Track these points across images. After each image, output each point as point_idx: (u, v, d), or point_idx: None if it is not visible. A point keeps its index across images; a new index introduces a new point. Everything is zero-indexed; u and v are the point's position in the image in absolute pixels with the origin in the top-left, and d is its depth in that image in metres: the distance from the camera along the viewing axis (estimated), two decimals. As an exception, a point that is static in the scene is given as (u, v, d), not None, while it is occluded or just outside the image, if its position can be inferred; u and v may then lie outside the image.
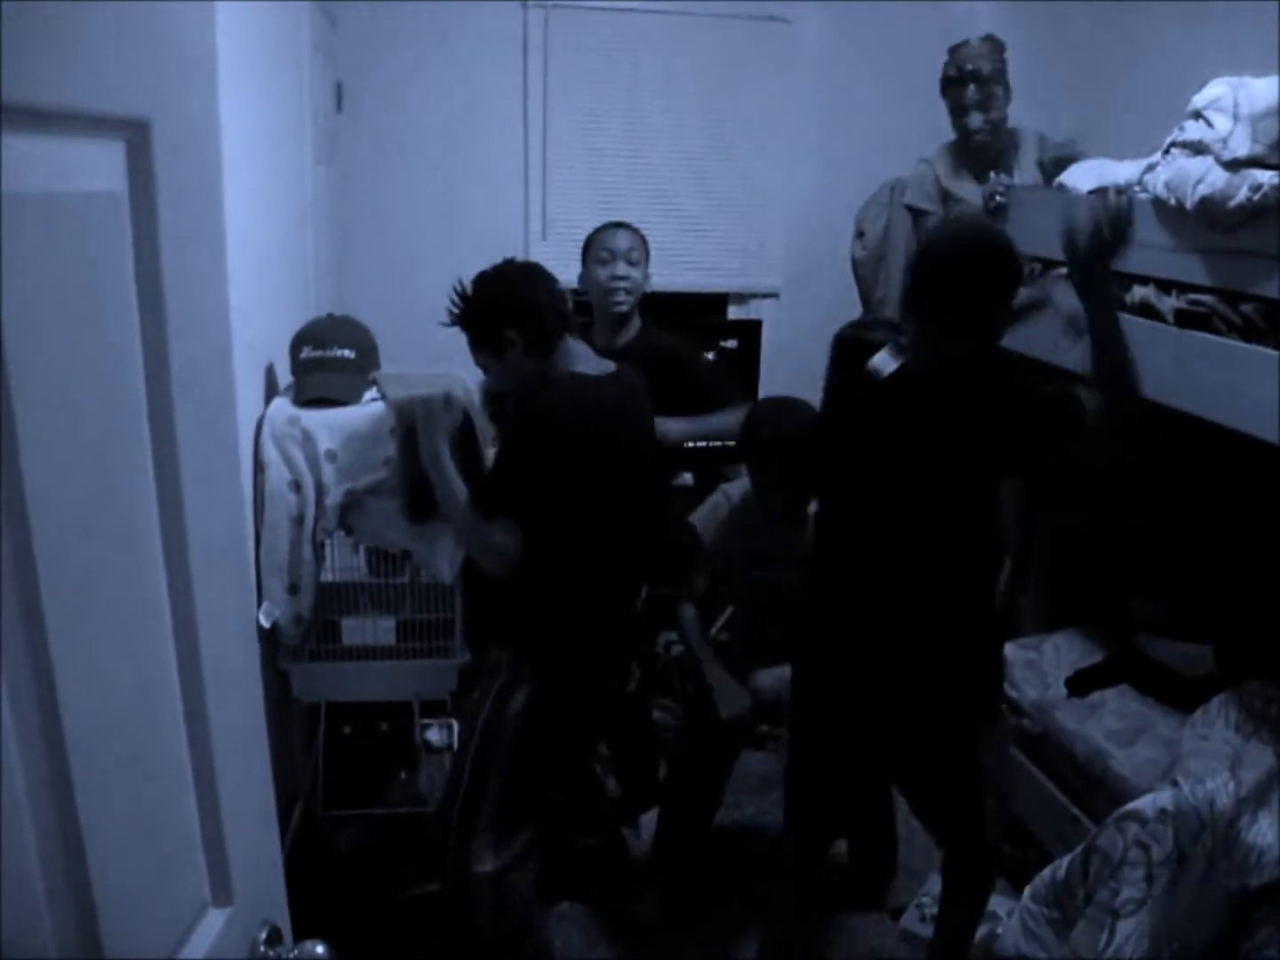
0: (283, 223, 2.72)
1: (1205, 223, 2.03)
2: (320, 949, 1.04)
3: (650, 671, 2.90)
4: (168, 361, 0.88)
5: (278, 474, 2.28)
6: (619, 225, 2.76)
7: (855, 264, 3.49)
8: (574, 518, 2.11)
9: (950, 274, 1.90)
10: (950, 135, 3.17)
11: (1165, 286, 2.18)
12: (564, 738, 2.22)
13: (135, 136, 0.83)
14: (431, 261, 3.72)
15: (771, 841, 3.00)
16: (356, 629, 2.48)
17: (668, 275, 3.52)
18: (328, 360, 2.42)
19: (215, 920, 0.97)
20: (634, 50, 3.79)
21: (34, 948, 0.72)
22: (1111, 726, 2.62)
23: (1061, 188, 2.61)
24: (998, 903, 2.53)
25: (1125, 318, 2.28)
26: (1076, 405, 1.91)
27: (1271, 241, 1.89)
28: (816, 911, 2.44)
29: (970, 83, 3.02)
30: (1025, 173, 3.03)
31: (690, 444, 2.91)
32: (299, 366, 2.43)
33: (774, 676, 2.57)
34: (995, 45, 3.05)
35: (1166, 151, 2.20)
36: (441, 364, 2.69)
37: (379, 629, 2.49)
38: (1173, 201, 2.10)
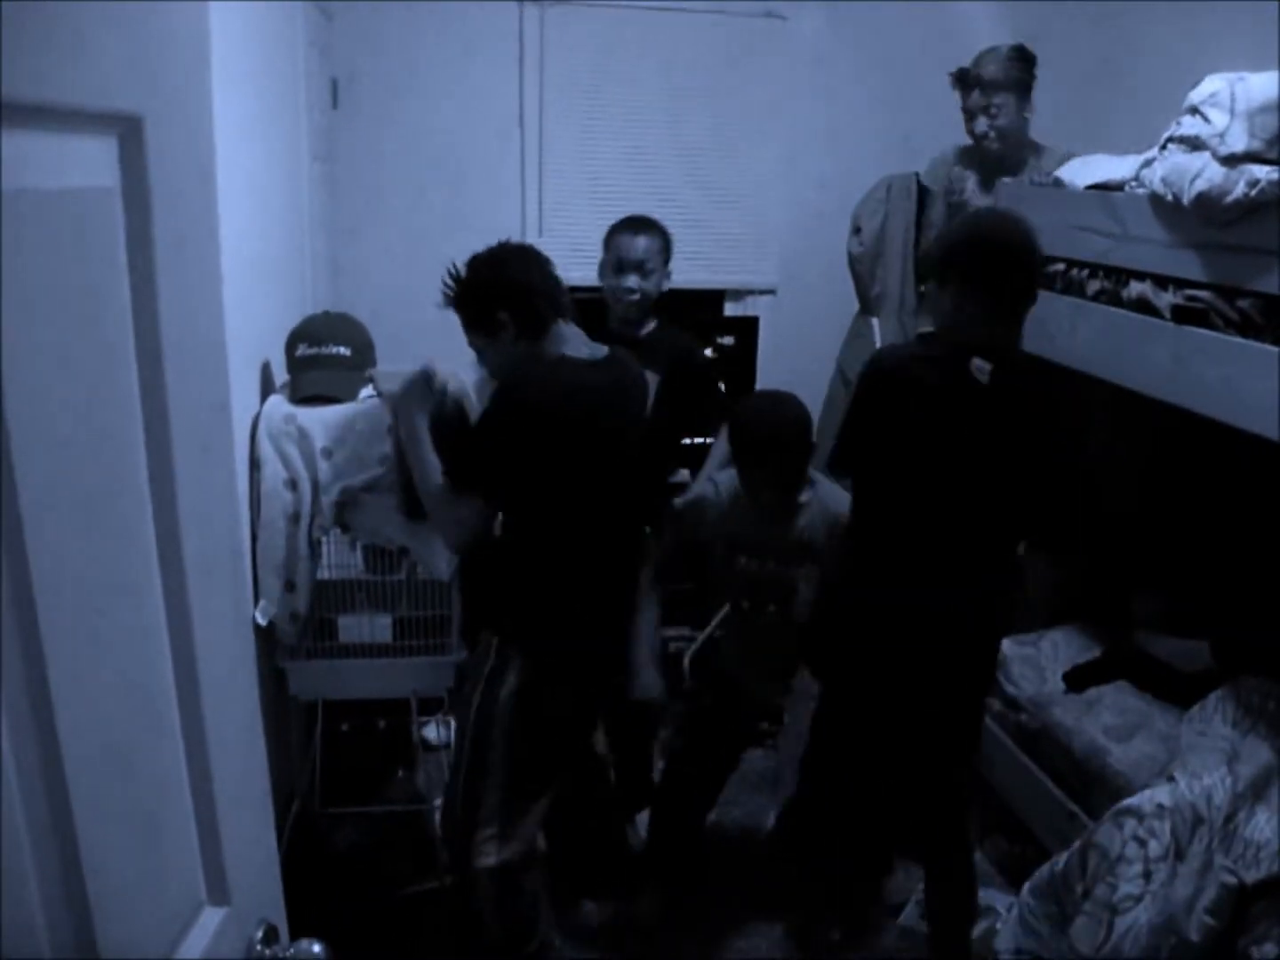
0: (278, 219, 2.72)
1: (1202, 218, 2.03)
2: (317, 948, 1.04)
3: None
4: (162, 358, 0.88)
5: (273, 471, 2.28)
6: (639, 229, 2.75)
7: (852, 260, 3.49)
8: (553, 500, 2.11)
9: (1001, 255, 2.01)
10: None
11: (1162, 282, 2.18)
12: (556, 726, 2.20)
13: (128, 132, 0.83)
14: (428, 258, 3.71)
15: (764, 839, 3.01)
16: (353, 626, 2.48)
17: (664, 272, 3.51)
18: (323, 358, 2.41)
19: (211, 919, 0.97)
20: (631, 47, 3.78)
21: (29, 947, 0.72)
22: (1109, 722, 2.62)
23: (1059, 183, 2.61)
24: (996, 898, 2.54)
25: (1122, 313, 2.30)
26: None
27: (1269, 236, 1.89)
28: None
29: (976, 87, 3.02)
30: None
31: (687, 440, 2.93)
32: (294, 364, 2.43)
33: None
34: (1019, 56, 3.02)
35: (1163, 147, 2.20)
36: (439, 361, 2.69)
37: (375, 626, 2.49)
38: (1170, 197, 2.10)
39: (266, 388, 2.46)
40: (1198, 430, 2.14)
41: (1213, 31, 2.66)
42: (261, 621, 2.28)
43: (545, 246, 2.29)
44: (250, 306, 2.19)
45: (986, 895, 2.55)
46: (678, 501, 2.64)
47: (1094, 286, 2.40)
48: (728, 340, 3.93)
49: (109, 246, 0.82)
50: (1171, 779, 2.22)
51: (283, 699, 2.52)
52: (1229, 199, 1.95)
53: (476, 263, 2.17)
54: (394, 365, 2.53)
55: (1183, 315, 2.11)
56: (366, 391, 2.40)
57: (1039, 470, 2.06)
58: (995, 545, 2.11)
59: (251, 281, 2.22)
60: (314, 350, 2.42)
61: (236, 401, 1.25)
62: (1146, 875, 2.09)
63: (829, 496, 2.45)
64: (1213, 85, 2.08)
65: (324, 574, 2.44)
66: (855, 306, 3.54)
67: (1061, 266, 2.52)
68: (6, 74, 0.65)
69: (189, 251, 0.94)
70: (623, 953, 2.59)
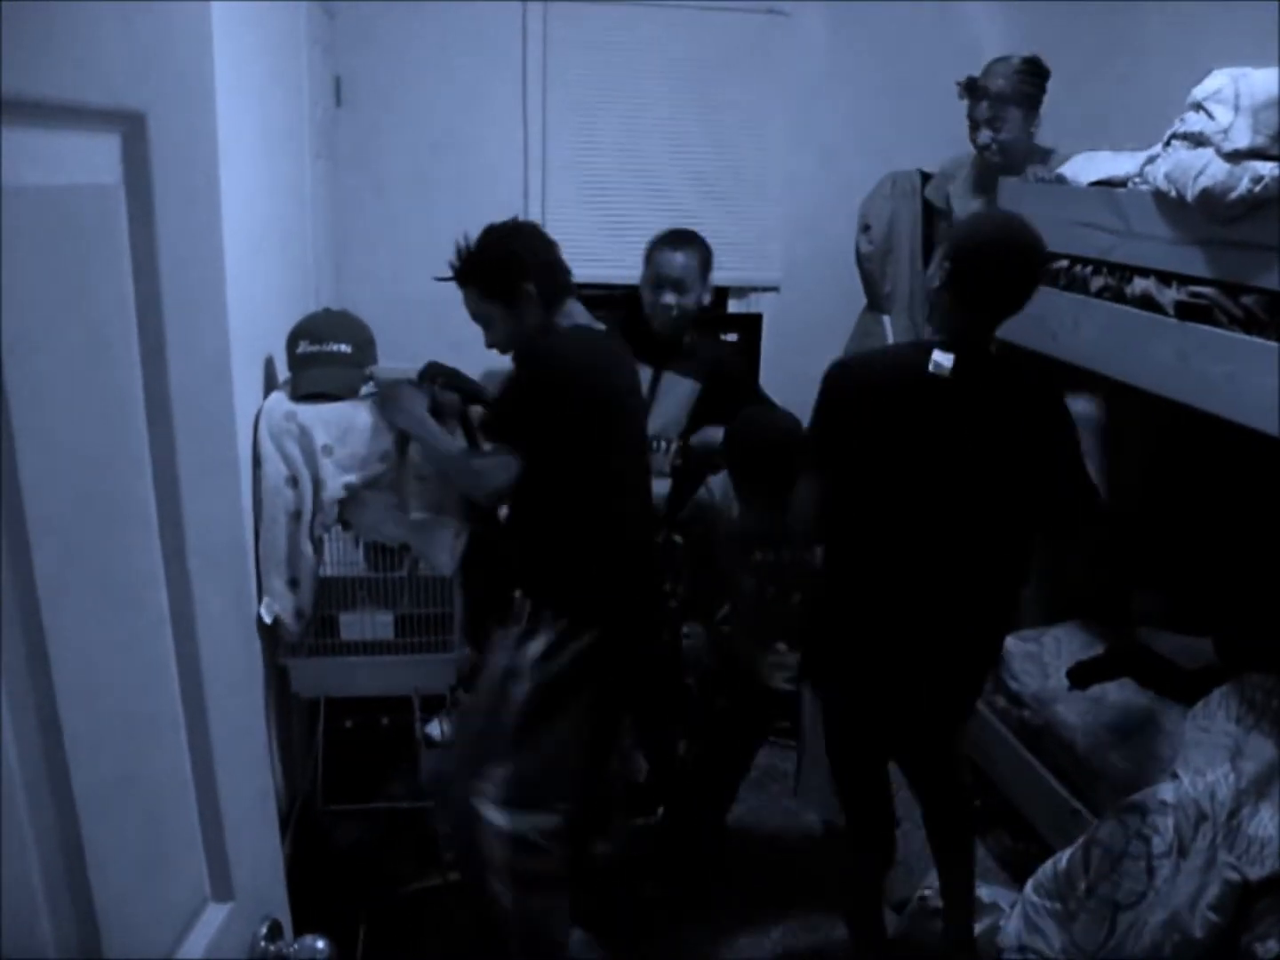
0: (281, 217, 2.72)
1: (1206, 214, 2.02)
2: (321, 944, 1.04)
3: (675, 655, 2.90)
4: (165, 356, 0.88)
5: (275, 469, 2.28)
6: (678, 245, 2.78)
7: (861, 258, 3.47)
8: (584, 458, 2.20)
9: (1004, 261, 1.97)
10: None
11: (1166, 279, 2.17)
12: (583, 691, 2.21)
13: (131, 129, 0.83)
14: (429, 256, 3.72)
15: (773, 835, 3.01)
16: (355, 624, 2.48)
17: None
18: (324, 355, 2.41)
19: (215, 915, 0.97)
20: (634, 44, 3.78)
21: (33, 944, 0.72)
22: (1112, 719, 2.62)
23: (1061, 179, 2.60)
24: (1000, 895, 2.54)
25: (1126, 310, 2.29)
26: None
27: (1272, 233, 1.88)
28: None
29: (984, 99, 3.00)
30: None
31: None
32: (296, 361, 2.43)
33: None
34: (1031, 70, 2.98)
35: (1167, 143, 2.19)
36: (438, 359, 2.69)
37: (377, 624, 2.49)
38: (1173, 193, 2.10)
39: (268, 385, 2.47)
40: (1201, 426, 2.13)
41: (1214, 26, 2.66)
42: (265, 619, 2.28)
43: (546, 243, 2.31)
44: (252, 303, 2.19)
45: (990, 892, 2.55)
46: (681, 517, 2.66)
47: (1097, 283, 2.40)
48: (732, 337, 3.94)
49: (112, 243, 0.82)
50: (1175, 776, 2.22)
51: (286, 696, 2.53)
52: (1233, 195, 1.94)
53: (496, 235, 2.23)
54: (395, 363, 2.53)
55: (1186, 312, 2.10)
56: (367, 389, 2.40)
57: (1033, 462, 2.03)
58: (984, 541, 2.07)
59: (254, 279, 2.22)
60: (315, 348, 2.42)
61: (238, 398, 1.25)
62: (1150, 872, 2.08)
63: None
64: (1217, 81, 2.07)
65: (326, 571, 2.44)
66: (860, 302, 3.53)
67: (1065, 263, 2.51)
68: (9, 71, 0.65)
69: (192, 248, 0.94)
70: (627, 947, 2.60)
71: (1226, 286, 2.01)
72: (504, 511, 2.38)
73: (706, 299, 2.86)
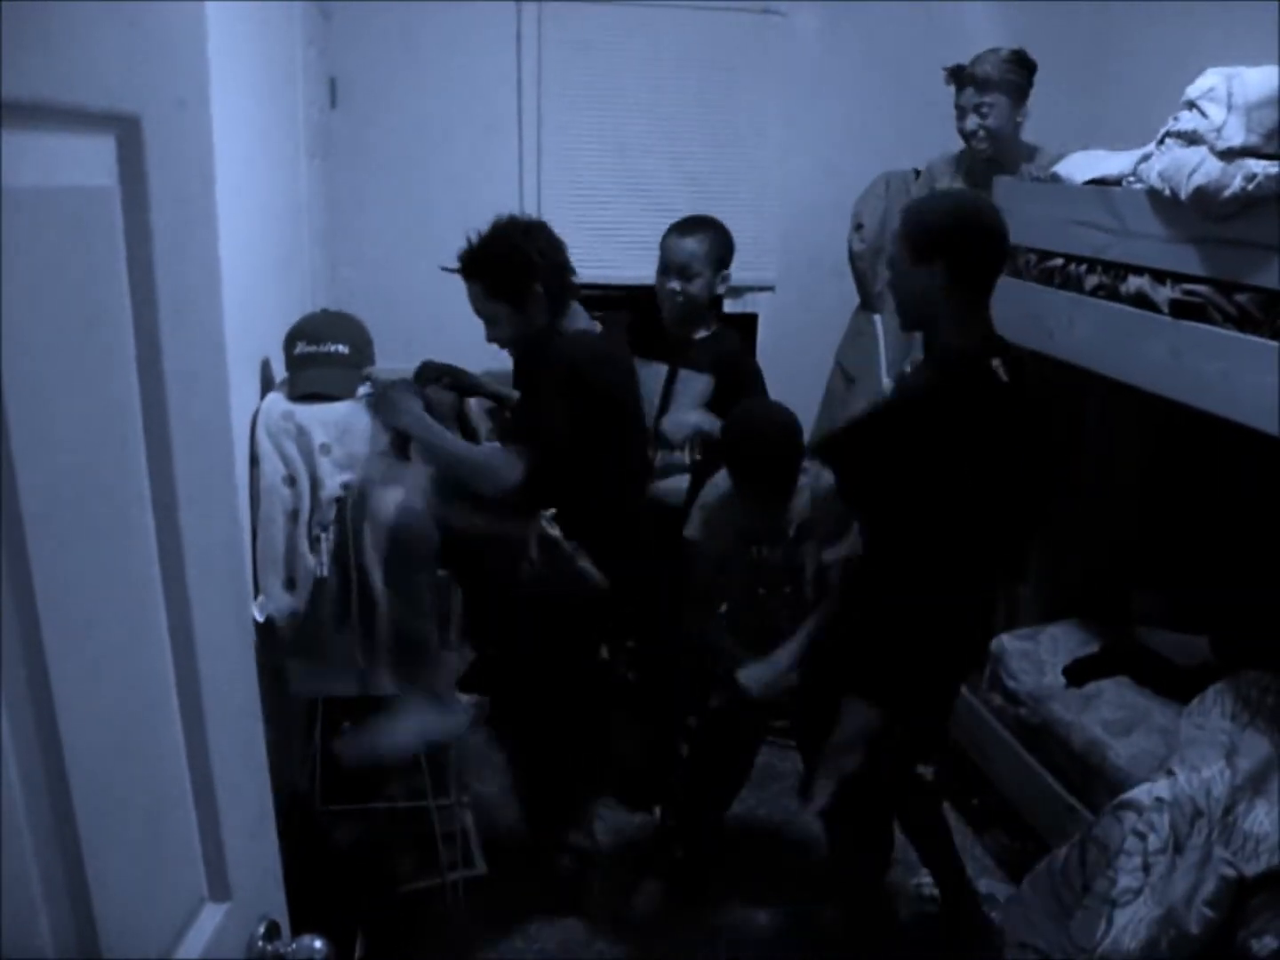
0: (277, 218, 2.71)
1: (1200, 213, 2.03)
2: (318, 943, 1.04)
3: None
4: (161, 356, 0.88)
5: (272, 469, 2.28)
6: (686, 231, 2.75)
7: (853, 257, 3.48)
8: (603, 459, 2.29)
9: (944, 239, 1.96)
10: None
11: (1160, 277, 2.18)
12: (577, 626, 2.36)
13: (126, 132, 0.83)
14: (425, 256, 3.71)
15: (771, 833, 3.02)
16: (353, 624, 2.47)
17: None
18: (321, 355, 2.41)
19: (213, 915, 0.97)
20: (629, 45, 3.77)
21: (31, 944, 0.72)
22: (1108, 717, 2.62)
23: (1056, 178, 2.61)
24: (996, 891, 2.55)
25: (1120, 308, 2.30)
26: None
27: (1266, 231, 1.89)
28: None
29: (970, 85, 3.01)
30: None
31: None
32: (293, 362, 2.43)
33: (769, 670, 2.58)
34: (1017, 60, 3.00)
35: (1161, 142, 2.20)
36: (435, 359, 2.70)
37: (375, 624, 2.48)
38: (1167, 192, 2.10)
39: (265, 385, 2.47)
40: (1196, 425, 2.14)
41: (1210, 24, 2.67)
42: (261, 618, 2.28)
43: (542, 244, 2.32)
44: (249, 304, 2.19)
45: (987, 888, 2.56)
46: (686, 531, 2.66)
47: (1092, 281, 2.40)
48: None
49: (108, 245, 0.82)
50: (1170, 773, 2.22)
51: (283, 696, 2.52)
52: (1226, 193, 1.95)
53: (507, 230, 2.25)
54: (392, 363, 2.54)
55: (1181, 310, 2.11)
56: (364, 389, 2.40)
57: (1042, 457, 2.11)
58: (1015, 539, 2.16)
59: (250, 279, 2.22)
60: (312, 348, 2.42)
61: (235, 399, 1.26)
62: (1146, 868, 2.09)
63: (826, 480, 2.51)
64: (1210, 80, 2.08)
65: (322, 571, 2.44)
66: (854, 302, 3.54)
67: (1060, 261, 2.52)
68: (5, 73, 0.65)
69: (188, 250, 0.95)
70: (620, 945, 2.60)
71: (1221, 284, 2.02)
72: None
73: (721, 288, 2.84)
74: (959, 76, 3.05)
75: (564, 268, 2.28)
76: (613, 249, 3.69)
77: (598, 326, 2.36)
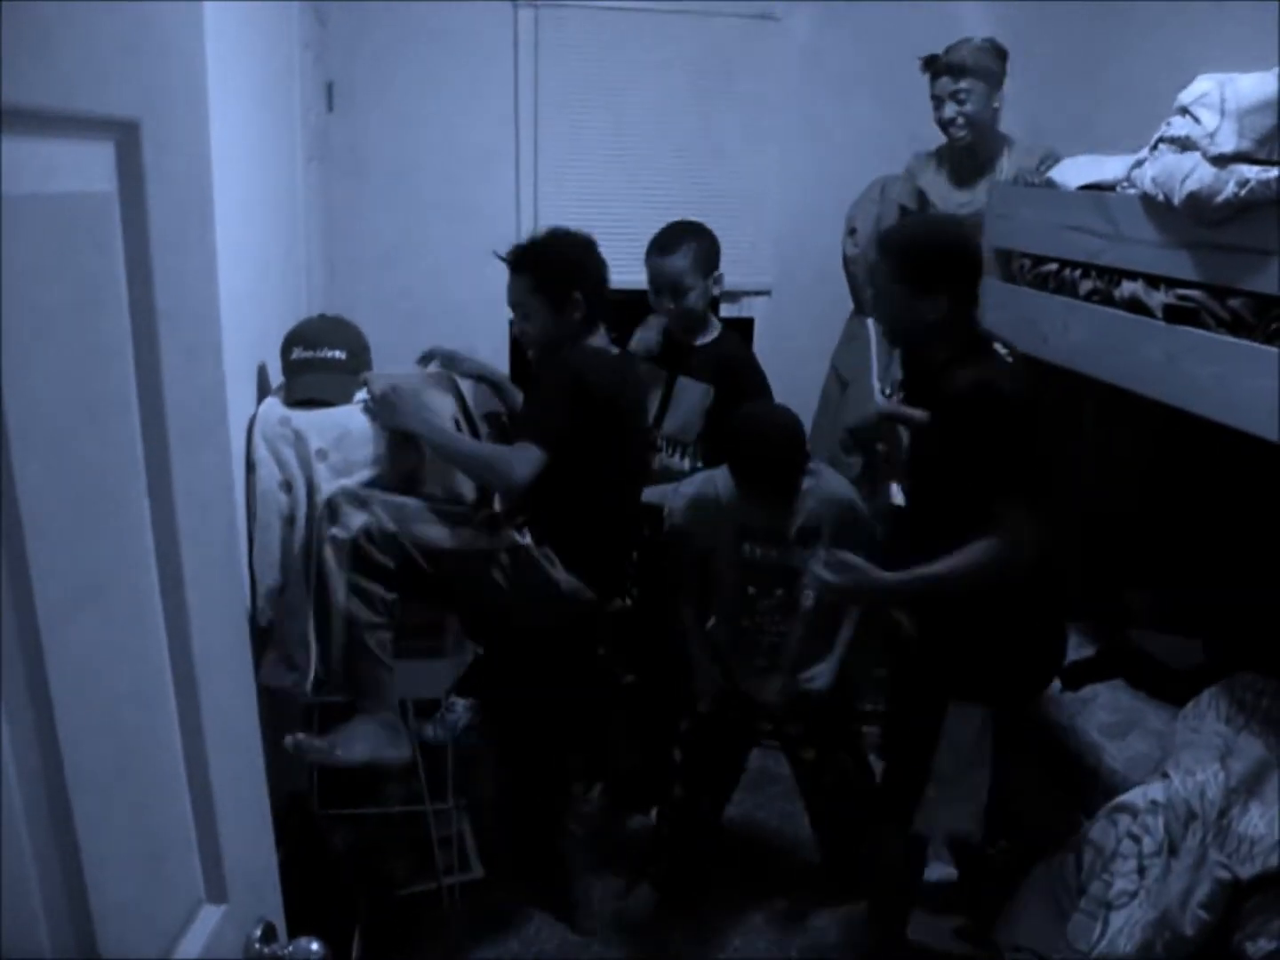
0: (274, 222, 2.72)
1: (1193, 218, 2.04)
2: (315, 946, 1.04)
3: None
4: (159, 362, 0.88)
5: (269, 474, 2.28)
6: (665, 250, 2.75)
7: (847, 261, 3.48)
8: (596, 472, 2.32)
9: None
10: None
11: (1154, 282, 2.18)
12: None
13: (124, 137, 0.83)
14: (423, 261, 3.73)
15: (767, 836, 3.02)
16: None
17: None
18: (318, 361, 2.41)
19: (210, 917, 0.98)
20: (625, 48, 3.78)
21: (29, 946, 0.72)
22: (1104, 720, 2.63)
23: (1050, 184, 2.62)
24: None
25: (1114, 313, 2.31)
26: None
27: (1259, 236, 1.89)
28: None
29: (945, 73, 3.02)
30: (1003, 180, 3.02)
31: None
32: (290, 367, 2.43)
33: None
34: (990, 47, 3.03)
35: (1154, 147, 2.20)
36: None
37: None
38: (1160, 197, 2.11)
39: (262, 390, 2.47)
40: (1191, 429, 2.14)
41: (1204, 28, 2.67)
42: (259, 622, 2.29)
43: (540, 249, 2.33)
44: (246, 309, 2.19)
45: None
46: (675, 509, 2.67)
47: (1086, 286, 2.41)
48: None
49: (106, 250, 0.83)
50: (1165, 775, 2.23)
51: (280, 700, 2.52)
52: (1219, 199, 1.95)
53: (564, 237, 2.37)
54: (389, 368, 2.54)
55: (1174, 314, 2.12)
56: (362, 394, 2.40)
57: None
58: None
59: (247, 284, 2.23)
60: (309, 353, 2.42)
61: (232, 404, 1.26)
62: (1141, 871, 2.09)
63: (829, 482, 2.53)
64: (1203, 86, 2.08)
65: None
66: (850, 307, 3.54)
67: (1054, 266, 2.53)
68: (4, 81, 0.65)
69: (185, 254, 0.95)
70: (614, 947, 2.61)
71: (1214, 289, 2.03)
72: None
73: (716, 290, 2.86)
74: (934, 65, 3.06)
75: (605, 286, 2.38)
76: (608, 252, 3.68)
77: (615, 350, 2.45)
